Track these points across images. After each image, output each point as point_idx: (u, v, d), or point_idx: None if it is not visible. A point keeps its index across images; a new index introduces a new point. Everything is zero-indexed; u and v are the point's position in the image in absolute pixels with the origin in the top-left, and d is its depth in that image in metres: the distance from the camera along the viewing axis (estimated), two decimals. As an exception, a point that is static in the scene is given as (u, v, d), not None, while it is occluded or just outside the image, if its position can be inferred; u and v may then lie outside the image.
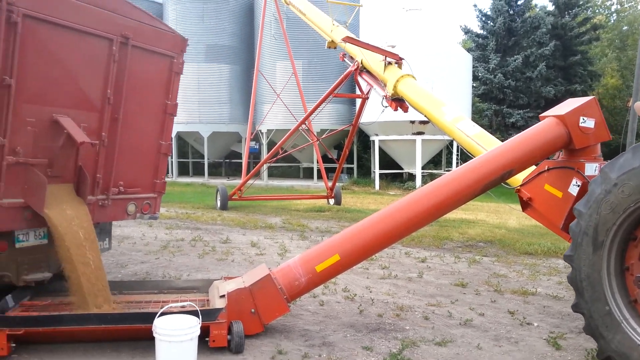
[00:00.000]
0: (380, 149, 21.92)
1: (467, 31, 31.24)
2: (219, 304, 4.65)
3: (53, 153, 4.73)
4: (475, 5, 32.95)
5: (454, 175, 5.31)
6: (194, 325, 3.90)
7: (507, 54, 29.00)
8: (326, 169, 18.49)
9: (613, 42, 35.90)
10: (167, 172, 22.10)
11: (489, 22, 29.84)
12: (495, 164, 5.23)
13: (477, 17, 30.42)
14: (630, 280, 3.95)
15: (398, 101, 9.18)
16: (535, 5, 31.62)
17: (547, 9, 31.74)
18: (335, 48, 11.49)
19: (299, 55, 20.84)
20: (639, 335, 3.76)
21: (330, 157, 19.25)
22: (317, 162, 17.93)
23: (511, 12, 29.36)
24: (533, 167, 5.87)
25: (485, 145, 7.09)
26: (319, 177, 22.27)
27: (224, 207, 14.26)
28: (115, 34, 4.90)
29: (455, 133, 7.56)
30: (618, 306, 3.92)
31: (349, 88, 18.73)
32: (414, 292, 6.52)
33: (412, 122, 19.88)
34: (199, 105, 24.21)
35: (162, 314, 3.95)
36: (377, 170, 21.86)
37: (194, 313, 4.07)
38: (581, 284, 4.08)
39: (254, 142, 24.69)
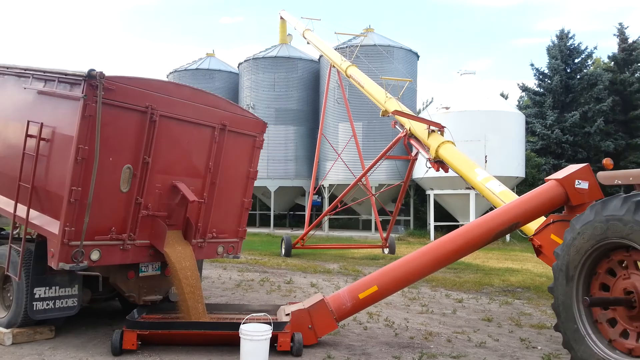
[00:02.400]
0: (435, 202, 23.13)
1: (524, 89, 32.31)
2: (285, 319, 6.24)
3: (171, 208, 6.64)
4: (532, 65, 33.87)
5: (472, 225, 6.75)
6: (267, 329, 5.52)
7: (564, 110, 29.76)
8: (383, 221, 19.98)
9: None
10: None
11: (546, 80, 30.86)
12: (505, 217, 6.63)
13: (534, 75, 31.54)
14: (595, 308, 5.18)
15: (440, 163, 10.70)
16: (592, 62, 32.27)
17: (605, 64, 32.39)
18: (388, 116, 13.24)
19: (358, 117, 22.84)
20: (596, 347, 4.96)
21: (386, 211, 20.73)
22: (374, 215, 19.39)
23: (568, 70, 30.30)
24: (543, 219, 7.18)
25: (507, 201, 8.44)
26: (377, 228, 23.67)
27: (288, 254, 15.98)
28: (216, 123, 6.88)
29: (484, 191, 8.97)
30: (584, 325, 5.14)
31: (401, 150, 20.36)
32: (444, 323, 7.81)
33: (466, 177, 21.09)
34: (267, 163, 26.60)
35: (246, 321, 5.59)
36: (432, 222, 23.00)
37: (267, 324, 5.68)
38: (558, 309, 5.35)
39: (317, 196, 26.58)
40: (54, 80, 6.07)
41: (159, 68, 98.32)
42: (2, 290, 6.69)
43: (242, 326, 5.54)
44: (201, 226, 7.05)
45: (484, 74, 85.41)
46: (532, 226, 7.70)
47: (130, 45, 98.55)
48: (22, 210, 6.06)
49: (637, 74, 31.02)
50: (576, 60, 30.24)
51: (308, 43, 19.45)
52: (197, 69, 30.37)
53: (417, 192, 26.86)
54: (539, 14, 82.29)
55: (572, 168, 6.58)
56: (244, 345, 5.47)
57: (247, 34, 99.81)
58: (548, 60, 30.21)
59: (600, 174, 5.66)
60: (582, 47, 30.04)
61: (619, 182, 5.25)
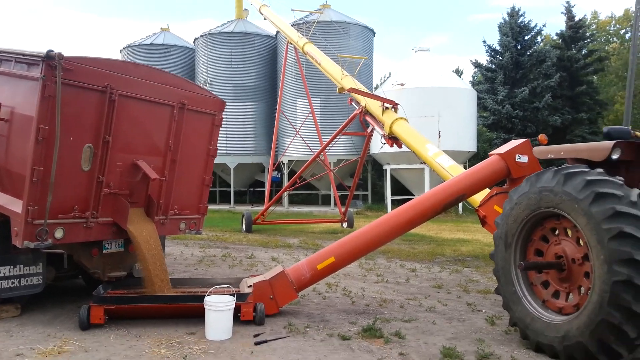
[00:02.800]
0: (392, 176, 23.76)
1: (477, 65, 33.20)
2: (247, 291, 6.55)
3: (132, 186, 6.78)
4: (484, 41, 34.71)
5: (422, 198, 7.18)
6: (231, 300, 5.82)
7: (515, 86, 30.80)
8: (342, 196, 20.45)
9: (618, 69, 37.27)
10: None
11: (497, 56, 31.79)
12: (452, 189, 7.08)
13: (486, 51, 32.43)
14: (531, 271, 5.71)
15: (393, 139, 11.12)
16: (542, 39, 33.39)
17: (553, 41, 33.57)
18: (344, 93, 13.53)
19: (317, 94, 23.06)
20: (531, 307, 5.49)
21: (344, 186, 21.20)
22: (332, 190, 19.83)
23: (518, 47, 31.27)
24: (488, 191, 7.69)
25: (455, 175, 8.93)
26: (336, 203, 24.18)
27: (248, 230, 16.25)
28: (175, 102, 7.00)
29: (434, 165, 9.45)
30: (521, 287, 5.65)
31: (357, 126, 20.76)
32: (398, 291, 8.31)
33: (421, 152, 21.73)
34: (226, 139, 26.56)
35: (210, 293, 5.87)
36: (389, 197, 23.66)
37: (230, 295, 5.98)
38: (498, 273, 5.86)
39: (277, 172, 26.80)
40: (11, 61, 6.07)
41: (111, 44, 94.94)
42: (-37, 271, 6.72)
43: (206, 298, 5.82)
44: (163, 203, 7.22)
45: (440, 50, 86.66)
46: (478, 198, 8.22)
47: (78, 22, 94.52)
48: (-18, 191, 6.09)
49: (584, 51, 32.36)
50: (526, 38, 31.26)
51: (265, 19, 19.43)
52: (151, 44, 29.73)
53: (375, 167, 27.45)
54: None
55: (513, 143, 7.07)
56: (209, 315, 5.75)
57: (204, 6, 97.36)
58: (499, 37, 31.09)
59: (535, 148, 6.17)
60: (532, 25, 31.03)
61: (552, 156, 5.75)
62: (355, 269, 10.28)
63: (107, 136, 6.32)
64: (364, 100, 12.06)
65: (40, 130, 5.66)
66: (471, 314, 6.97)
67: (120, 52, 30.98)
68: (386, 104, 11.43)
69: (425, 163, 22.19)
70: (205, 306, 5.77)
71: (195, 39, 29.08)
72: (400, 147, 11.19)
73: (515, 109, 29.64)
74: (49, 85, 5.63)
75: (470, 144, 23.05)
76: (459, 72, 43.27)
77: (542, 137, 6.32)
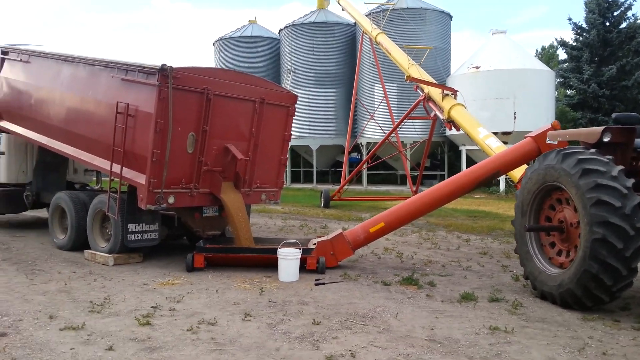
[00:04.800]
0: (467, 156, 24.44)
1: (562, 43, 32.40)
2: (312, 247, 8.21)
3: (224, 165, 8.64)
4: (569, 19, 33.63)
5: (462, 173, 8.44)
6: (298, 252, 7.51)
7: (602, 64, 29.89)
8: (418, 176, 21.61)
9: None
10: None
11: (583, 34, 30.90)
12: (489, 167, 8.27)
13: (572, 29, 31.57)
14: (542, 233, 6.84)
15: (451, 122, 12.25)
16: (634, 14, 31.89)
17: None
18: (410, 81, 14.73)
19: (393, 78, 24.14)
20: (540, 263, 6.64)
21: (425, 165, 22.29)
22: (404, 169, 21.04)
23: (607, 23, 30.20)
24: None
25: (501, 155, 9.97)
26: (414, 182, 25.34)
27: (326, 205, 17.99)
28: (257, 97, 8.76)
29: (484, 146, 10.54)
30: (533, 248, 6.81)
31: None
32: (445, 255, 9.62)
33: (496, 133, 22.26)
34: (309, 123, 28.46)
35: (282, 246, 7.60)
36: (464, 177, 24.33)
37: (298, 248, 7.66)
38: (517, 237, 7.06)
39: (356, 153, 28.32)
40: (135, 71, 8.07)
41: (204, 34, 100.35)
42: (101, 228, 8.98)
43: (279, 249, 7.56)
44: (248, 178, 9.05)
45: (539, 22, 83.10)
46: (518, 174, 9.27)
47: (174, 10, 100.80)
48: (116, 168, 8.20)
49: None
50: (615, 14, 30.05)
51: (343, 9, 20.83)
52: (240, 36, 32.16)
53: (452, 148, 28.13)
54: None
55: (545, 127, 8.09)
56: (281, 262, 7.48)
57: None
58: (585, 15, 30.18)
59: (549, 133, 7.22)
60: (621, 0, 29.75)
61: (560, 139, 6.81)
62: (413, 238, 11.66)
63: (205, 126, 8.19)
64: (427, 88, 13.22)
65: (158, 123, 7.62)
66: (502, 273, 8.17)
67: (213, 44, 33.76)
68: (446, 91, 12.54)
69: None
70: (278, 255, 7.50)
71: (280, 30, 31.11)
72: (458, 130, 12.28)
73: (602, 88, 28.85)
74: (163, 90, 7.55)
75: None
76: (554, 47, 41.81)
77: (555, 123, 7.34)
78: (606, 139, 6.09)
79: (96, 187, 12.10)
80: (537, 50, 49.56)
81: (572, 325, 5.57)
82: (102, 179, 13.03)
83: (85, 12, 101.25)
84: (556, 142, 7.87)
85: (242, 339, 4.98)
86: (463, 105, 12.11)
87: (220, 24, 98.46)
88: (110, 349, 4.67)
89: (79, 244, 9.27)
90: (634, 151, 6.21)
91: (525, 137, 8.18)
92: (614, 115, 6.93)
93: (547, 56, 47.25)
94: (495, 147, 10.17)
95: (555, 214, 6.60)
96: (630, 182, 5.66)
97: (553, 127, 7.34)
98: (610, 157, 5.94)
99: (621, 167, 5.79)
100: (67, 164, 11.59)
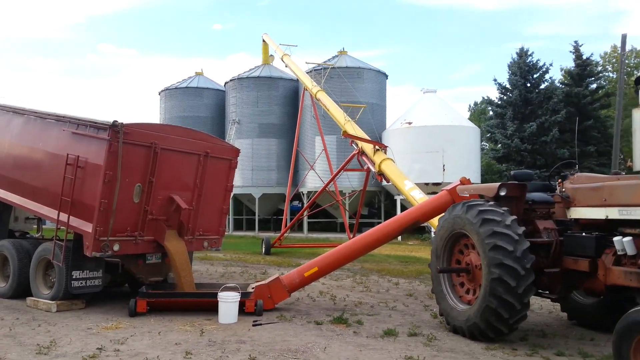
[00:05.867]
0: (402, 205, 25.78)
1: (488, 102, 35.20)
2: (250, 291, 8.80)
3: (169, 213, 9.20)
4: (495, 80, 36.74)
5: (386, 223, 9.37)
6: (237, 295, 8.08)
7: (524, 121, 32.63)
8: (360, 223, 22.64)
9: (626, 107, 38.52)
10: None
11: (507, 93, 33.77)
12: (410, 216, 9.25)
13: (497, 89, 34.47)
14: (453, 275, 7.77)
15: (381, 175, 13.36)
16: (551, 77, 35.21)
17: (561, 80, 35.37)
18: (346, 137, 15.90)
19: (333, 131, 25.39)
20: (452, 301, 7.53)
21: (363, 214, 23.37)
22: (342, 217, 22.00)
23: (528, 84, 33.21)
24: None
25: (424, 205, 11.05)
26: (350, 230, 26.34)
27: (267, 252, 18.55)
28: (201, 151, 9.47)
29: (409, 197, 11.62)
30: (446, 287, 7.72)
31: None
32: (375, 297, 10.41)
33: (427, 184, 23.81)
34: (252, 172, 29.20)
35: (222, 290, 8.16)
36: (400, 225, 25.62)
37: (237, 292, 8.23)
38: (432, 278, 7.95)
39: (298, 202, 29.17)
40: (86, 126, 8.63)
41: (151, 82, 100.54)
42: (44, 275, 9.22)
43: (219, 293, 8.11)
44: (191, 226, 9.62)
45: (475, 79, 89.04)
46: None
47: (119, 57, 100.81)
48: (63, 217, 8.59)
49: (591, 87, 34.02)
50: (535, 76, 33.15)
51: (286, 66, 22.11)
52: (187, 87, 32.98)
53: (387, 197, 29.54)
54: (530, 19, 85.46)
55: (457, 182, 9.19)
56: (221, 306, 8.03)
57: (239, 44, 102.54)
58: (508, 76, 33.12)
59: (458, 187, 8.31)
60: (540, 64, 32.95)
61: (466, 193, 7.90)
62: (348, 282, 12.42)
63: (151, 178, 8.78)
64: (361, 143, 14.37)
65: (106, 174, 8.16)
66: (423, 311, 9.03)
67: (159, 94, 34.34)
68: (377, 146, 13.70)
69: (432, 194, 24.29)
70: (218, 299, 8.05)
71: (225, 83, 32.17)
72: (387, 182, 13.40)
73: (524, 143, 31.40)
74: (113, 144, 8.14)
75: (474, 177, 24.93)
76: (482, 103, 44.91)
77: (463, 179, 8.46)
78: (502, 193, 7.18)
79: (37, 235, 12.21)
80: (469, 106, 53.05)
81: (476, 353, 6.43)
82: (43, 227, 13.15)
83: (27, 57, 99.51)
84: (468, 195, 9.01)
85: (183, 374, 5.50)
86: (392, 159, 13.28)
87: (167, 72, 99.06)
88: (60, 384, 5.08)
89: (21, 291, 9.42)
90: (526, 203, 7.33)
91: (442, 190, 9.26)
92: (512, 172, 8.13)
93: (479, 111, 50.72)
94: (419, 198, 11.27)
95: (463, 257, 7.57)
96: (521, 229, 6.71)
97: (461, 182, 8.44)
98: (505, 208, 7.00)
99: (514, 217, 6.85)
100: (10, 212, 11.71)
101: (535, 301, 9.71)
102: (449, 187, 9.06)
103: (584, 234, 6.57)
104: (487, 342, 6.84)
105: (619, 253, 6.04)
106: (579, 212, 6.73)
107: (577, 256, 6.60)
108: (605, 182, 6.45)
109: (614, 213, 6.13)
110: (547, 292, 7.33)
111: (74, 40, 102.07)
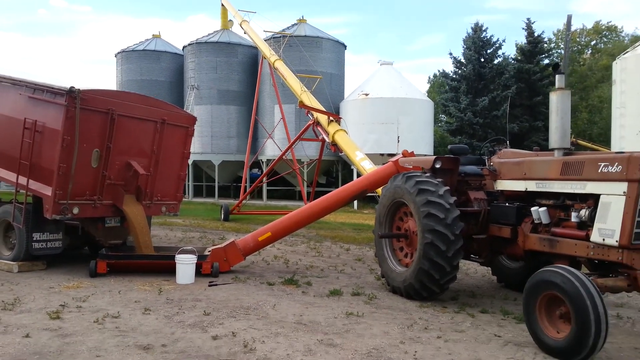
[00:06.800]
0: (358, 174, 26.56)
1: (444, 75, 36.08)
2: (207, 254, 9.31)
3: (126, 179, 9.52)
4: (450, 53, 37.56)
5: (336, 191, 9.97)
6: (194, 257, 8.58)
7: (477, 95, 33.72)
8: (317, 192, 23.28)
9: (574, 84, 40.30)
10: (185, 193, 27.24)
11: (462, 67, 34.70)
12: (357, 186, 9.88)
13: (452, 62, 35.34)
14: (393, 240, 8.48)
15: (335, 145, 13.92)
16: (504, 53, 36.32)
17: (512, 57, 36.54)
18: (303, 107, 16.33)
19: (292, 100, 25.73)
20: (392, 263, 8.26)
21: (321, 182, 24.01)
22: (299, 186, 22.61)
23: (482, 59, 34.19)
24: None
25: (373, 176, 11.71)
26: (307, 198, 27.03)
27: (226, 219, 19.00)
28: (158, 118, 9.75)
29: (359, 167, 12.26)
30: (387, 251, 8.43)
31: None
32: (326, 261, 11.10)
33: (382, 154, 24.58)
34: (211, 139, 29.29)
35: (179, 253, 8.63)
36: (355, 193, 26.48)
37: (194, 254, 8.73)
38: (375, 242, 8.66)
39: (257, 169, 29.54)
40: (44, 91, 8.77)
41: (107, 42, 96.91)
42: (4, 237, 9.45)
43: (177, 255, 8.59)
44: (149, 192, 9.97)
45: (435, 50, 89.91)
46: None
47: (72, 14, 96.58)
48: (22, 180, 8.80)
49: (542, 64, 35.34)
50: (488, 51, 34.14)
51: (245, 33, 22.13)
52: (144, 49, 32.36)
53: (345, 166, 30.25)
54: None
55: (401, 154, 9.83)
56: (178, 267, 8.52)
57: (198, 1, 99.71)
58: (463, 50, 33.98)
59: (400, 159, 8.96)
60: (494, 40, 33.91)
61: (407, 165, 8.56)
62: (302, 248, 13.08)
63: (109, 143, 9.05)
64: (316, 114, 14.85)
65: (64, 140, 8.39)
66: (368, 274, 9.77)
67: (115, 57, 33.58)
68: (331, 117, 14.22)
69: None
70: (175, 261, 8.53)
71: (184, 47, 31.74)
72: (341, 152, 14.01)
73: (476, 117, 32.54)
74: (70, 109, 8.36)
75: (427, 149, 25.92)
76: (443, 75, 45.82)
77: (405, 151, 9.12)
78: (437, 166, 7.86)
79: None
80: (429, 77, 53.97)
81: (410, 310, 7.18)
82: (0, 190, 13.17)
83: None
84: (411, 167, 9.69)
85: (142, 327, 6.01)
86: (345, 131, 13.84)
87: (123, 32, 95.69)
88: (27, 336, 5.51)
89: (-20, 253, 9.63)
90: (459, 175, 8.04)
91: (388, 161, 9.91)
92: (449, 146, 8.83)
93: (438, 83, 51.73)
94: (368, 169, 11.91)
95: (402, 224, 8.28)
96: (452, 199, 7.41)
97: (404, 155, 9.10)
98: (440, 179, 7.70)
99: (447, 187, 7.55)
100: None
101: (471, 266, 10.65)
102: (394, 158, 9.70)
103: (507, 204, 7.34)
104: (422, 300, 7.60)
105: (535, 222, 6.83)
106: (503, 185, 7.49)
107: (501, 224, 7.37)
108: (525, 158, 7.21)
109: (532, 186, 6.90)
110: (477, 256, 8.16)
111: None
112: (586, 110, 39.19)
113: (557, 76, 7.07)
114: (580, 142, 27.85)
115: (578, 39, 49.14)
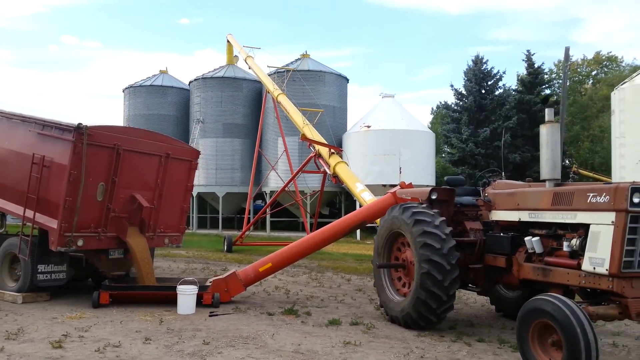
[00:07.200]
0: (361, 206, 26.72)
1: (445, 106, 36.55)
2: (208, 284, 9.44)
3: (131, 211, 9.74)
4: (451, 85, 38.15)
5: (335, 222, 10.15)
6: (195, 288, 8.71)
7: (478, 126, 34.06)
8: (320, 223, 23.43)
9: (576, 114, 40.68)
10: (188, 225, 27.44)
11: (463, 99, 35.17)
12: (358, 217, 10.06)
13: (454, 94, 35.83)
14: (392, 270, 8.60)
15: (336, 177, 14.16)
16: (504, 84, 36.82)
17: (514, 87, 37.03)
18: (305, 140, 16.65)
19: (296, 132, 26.16)
20: (390, 293, 8.36)
21: (324, 213, 24.19)
22: (302, 217, 22.77)
23: (482, 91, 34.66)
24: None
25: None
26: (310, 229, 27.13)
27: (229, 250, 19.13)
28: (162, 153, 10.04)
29: (359, 199, 12.45)
30: (386, 281, 8.54)
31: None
32: (327, 292, 11.18)
33: (384, 185, 24.77)
34: (216, 171, 29.65)
35: (181, 284, 8.77)
36: (358, 224, 26.61)
37: (195, 285, 8.86)
38: (374, 272, 8.78)
39: (260, 201, 29.77)
40: (52, 127, 9.09)
41: (116, 77, 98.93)
42: (10, 269, 9.64)
43: (178, 286, 8.73)
44: (152, 224, 10.17)
45: (438, 82, 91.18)
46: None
47: (82, 50, 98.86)
48: (29, 213, 9.04)
49: (542, 94, 35.77)
50: (489, 83, 34.64)
51: (249, 68, 22.69)
52: (151, 85, 33.12)
53: (348, 197, 30.43)
54: (490, 24, 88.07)
55: (400, 186, 10.02)
56: (180, 298, 8.64)
57: (205, 40, 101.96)
58: (464, 82, 34.50)
59: (397, 190, 9.15)
60: (494, 71, 34.46)
61: (404, 196, 8.75)
62: (303, 278, 13.17)
63: (114, 177, 9.32)
64: (317, 146, 15.14)
65: (71, 174, 8.66)
66: (368, 304, 9.85)
67: (123, 92, 34.34)
68: (332, 150, 14.50)
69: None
70: (177, 292, 8.67)
71: (190, 82, 32.47)
72: (342, 184, 14.24)
73: (478, 147, 32.80)
74: (78, 145, 8.65)
75: (429, 180, 26.13)
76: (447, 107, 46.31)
77: (402, 183, 9.32)
78: (433, 197, 8.05)
79: (1, 231, 12.49)
80: (432, 109, 54.55)
81: (407, 339, 7.26)
82: (6, 222, 13.40)
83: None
84: (409, 198, 9.87)
85: (142, 356, 6.13)
86: (346, 162, 14.10)
87: (132, 67, 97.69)
88: (29, 365, 5.65)
89: (-15, 284, 9.80)
90: (455, 206, 8.21)
91: (387, 193, 10.10)
92: (445, 178, 9.03)
93: (440, 115, 52.27)
94: (368, 200, 12.11)
95: (400, 254, 8.41)
96: (448, 229, 7.57)
97: (401, 186, 9.30)
98: (436, 210, 7.87)
99: (443, 218, 7.71)
100: (-27, 208, 11.97)
101: (470, 296, 10.71)
102: (392, 190, 9.90)
103: (501, 234, 7.49)
104: (420, 330, 7.68)
105: (529, 251, 6.97)
106: (498, 215, 7.65)
107: (496, 254, 7.51)
108: (518, 189, 7.39)
109: (525, 216, 7.05)
110: (474, 286, 8.26)
111: (35, 30, 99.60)
112: (588, 139, 39.42)
113: (546, 109, 7.34)
114: (582, 171, 27.99)
115: (579, 70, 49.76)
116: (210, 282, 9.55)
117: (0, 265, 9.60)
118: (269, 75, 22.87)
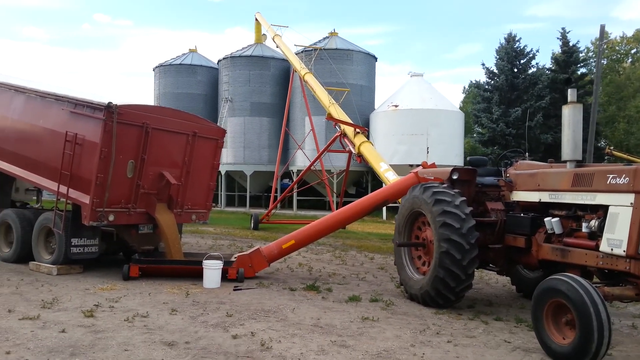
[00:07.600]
0: (388, 186, 26.76)
1: (477, 86, 35.92)
2: (233, 260, 9.73)
3: (159, 188, 10.06)
4: (483, 64, 37.38)
5: (358, 201, 10.27)
6: (220, 263, 9.00)
7: (510, 106, 33.43)
8: (346, 202, 23.60)
9: (612, 94, 39.46)
10: (217, 203, 28.00)
11: (494, 78, 34.49)
12: (380, 196, 10.15)
13: (485, 73, 35.17)
14: (412, 249, 8.71)
15: (361, 156, 14.23)
16: (537, 63, 35.92)
17: (547, 66, 36.06)
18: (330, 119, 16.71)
19: (321, 112, 26.21)
20: (410, 271, 8.48)
21: (350, 193, 24.31)
22: (327, 196, 22.95)
23: (515, 70, 33.90)
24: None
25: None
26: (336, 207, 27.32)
27: (255, 227, 19.49)
28: (189, 131, 10.29)
29: (383, 178, 12.51)
30: (406, 260, 8.66)
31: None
32: (349, 269, 11.37)
33: (411, 165, 24.69)
34: (244, 150, 30.01)
35: (207, 259, 9.08)
36: (384, 204, 26.67)
37: (220, 260, 9.15)
38: (395, 251, 8.90)
39: (288, 180, 30.05)
40: (84, 106, 9.41)
41: (147, 55, 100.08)
42: (45, 242, 10.11)
43: (204, 261, 9.03)
44: (180, 200, 10.49)
45: (472, 59, 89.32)
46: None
47: (114, 28, 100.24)
48: (63, 188, 9.43)
49: (577, 73, 34.78)
50: (522, 61, 33.85)
51: (277, 47, 22.76)
52: (180, 64, 33.51)
53: (374, 177, 30.45)
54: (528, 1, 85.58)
55: (422, 166, 10.05)
56: (205, 272, 8.95)
57: (236, 14, 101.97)
58: (496, 61, 33.80)
59: (419, 170, 9.19)
60: (527, 50, 33.63)
61: (425, 176, 8.78)
62: (327, 256, 13.39)
63: (143, 155, 9.62)
64: (343, 126, 15.20)
65: (102, 151, 8.99)
66: (389, 282, 10.00)
67: (153, 70, 34.86)
68: (357, 129, 14.54)
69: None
70: (203, 266, 8.98)
71: (218, 61, 32.72)
72: (367, 163, 14.30)
73: (509, 127, 32.26)
74: (108, 123, 8.96)
75: (457, 160, 25.89)
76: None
77: (424, 163, 9.35)
78: (454, 177, 8.08)
79: (37, 206, 13.06)
80: (464, 87, 53.62)
81: (425, 316, 7.39)
82: (42, 198, 13.99)
83: (21, 25, 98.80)
84: (432, 178, 9.89)
85: (169, 326, 6.44)
86: (371, 142, 14.15)
87: (163, 45, 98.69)
88: (63, 331, 6.00)
89: (23, 256, 10.32)
90: (477, 186, 8.23)
91: (410, 173, 10.14)
92: (468, 158, 9.01)
93: (472, 94, 51.40)
94: (392, 179, 12.17)
95: (421, 233, 8.49)
96: (468, 209, 7.61)
97: (423, 166, 9.33)
98: (457, 190, 7.90)
99: (464, 198, 7.75)
100: (12, 183, 12.53)
101: (492, 276, 10.74)
102: (415, 169, 9.93)
103: (522, 214, 7.50)
104: (438, 308, 7.79)
105: (549, 232, 6.97)
106: (519, 195, 7.65)
107: (516, 234, 7.53)
108: (539, 170, 7.36)
109: (545, 197, 7.04)
110: (494, 265, 8.31)
111: (68, 9, 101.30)
112: (624, 120, 38.31)
113: (569, 90, 7.24)
114: (616, 153, 27.26)
115: (617, 48, 48.09)
116: (235, 257, 9.83)
117: (36, 239, 10.07)
118: (296, 54, 22.88)
